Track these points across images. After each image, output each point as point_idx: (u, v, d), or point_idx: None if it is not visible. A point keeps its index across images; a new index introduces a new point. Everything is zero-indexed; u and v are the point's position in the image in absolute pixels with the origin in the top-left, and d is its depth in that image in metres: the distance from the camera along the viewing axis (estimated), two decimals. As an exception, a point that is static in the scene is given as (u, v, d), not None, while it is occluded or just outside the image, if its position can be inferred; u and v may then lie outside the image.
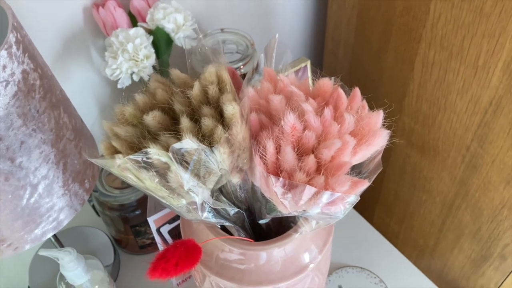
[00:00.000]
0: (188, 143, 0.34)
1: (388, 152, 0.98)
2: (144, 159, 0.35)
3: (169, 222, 0.65)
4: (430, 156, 0.89)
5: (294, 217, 0.47)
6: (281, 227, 0.48)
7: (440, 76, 0.78)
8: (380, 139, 0.39)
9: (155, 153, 0.34)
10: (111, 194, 0.72)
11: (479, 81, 0.72)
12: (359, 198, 0.38)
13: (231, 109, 0.36)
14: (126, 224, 0.75)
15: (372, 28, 0.87)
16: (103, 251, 0.80)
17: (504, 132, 0.73)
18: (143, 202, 0.73)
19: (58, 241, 0.70)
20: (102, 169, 0.74)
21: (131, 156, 0.34)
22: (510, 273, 0.87)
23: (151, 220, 0.62)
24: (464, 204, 0.88)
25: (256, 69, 0.45)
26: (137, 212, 0.73)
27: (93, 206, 0.86)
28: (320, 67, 1.13)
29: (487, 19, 0.66)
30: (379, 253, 0.83)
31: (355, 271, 0.77)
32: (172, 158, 0.34)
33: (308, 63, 0.76)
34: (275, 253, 0.46)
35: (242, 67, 0.74)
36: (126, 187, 0.72)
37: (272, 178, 0.37)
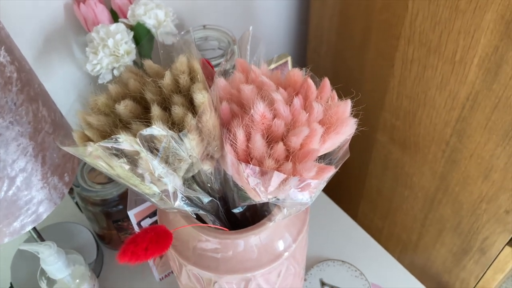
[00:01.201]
0: (157, 130, 0.35)
1: (370, 149, 0.99)
2: (115, 146, 0.35)
3: (150, 216, 0.66)
4: (411, 151, 0.90)
5: (268, 206, 0.47)
6: (257, 216, 0.49)
7: (419, 72, 0.79)
8: (348, 128, 0.40)
9: (124, 139, 0.35)
10: (93, 189, 0.72)
11: (457, 77, 0.73)
12: (325, 184, 0.39)
13: (200, 97, 0.37)
14: (109, 219, 0.75)
15: (353, 26, 0.88)
16: (86, 247, 0.81)
17: (481, 127, 0.74)
18: (125, 198, 0.73)
19: (39, 236, 0.70)
20: (84, 164, 0.74)
21: (102, 143, 0.35)
22: (489, 266, 0.88)
23: (131, 213, 0.63)
24: (445, 199, 0.89)
25: (229, 61, 0.45)
26: (120, 207, 0.74)
27: (76, 203, 0.86)
28: (303, 65, 1.14)
29: (462, 15, 0.68)
30: (360, 247, 0.84)
31: (336, 265, 0.78)
32: (141, 145, 0.35)
33: (289, 58, 0.77)
34: (250, 241, 0.47)
35: (224, 62, 0.74)
36: (108, 182, 0.73)
37: (243, 165, 0.38)
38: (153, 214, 0.66)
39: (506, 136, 0.71)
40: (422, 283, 0.81)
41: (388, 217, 1.07)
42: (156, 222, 0.66)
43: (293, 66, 0.79)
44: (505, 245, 0.82)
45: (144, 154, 0.36)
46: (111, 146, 0.35)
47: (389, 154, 0.96)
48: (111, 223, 0.76)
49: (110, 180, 0.73)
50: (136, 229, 0.65)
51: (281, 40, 1.06)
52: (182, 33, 0.77)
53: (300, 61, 1.14)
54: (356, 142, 1.04)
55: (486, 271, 0.90)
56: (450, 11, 0.69)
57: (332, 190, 1.06)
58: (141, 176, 0.38)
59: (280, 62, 0.76)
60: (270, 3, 0.97)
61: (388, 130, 0.92)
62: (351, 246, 0.84)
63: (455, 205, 0.88)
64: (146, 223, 0.66)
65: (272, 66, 0.72)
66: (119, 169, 0.37)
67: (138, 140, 0.35)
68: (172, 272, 0.77)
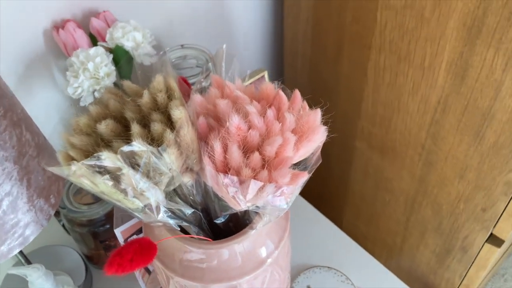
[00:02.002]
0: (137, 146, 0.36)
1: (350, 156, 1.02)
2: (98, 163, 0.37)
3: (136, 233, 0.67)
4: (389, 157, 0.93)
5: (249, 215, 0.49)
6: (239, 225, 0.51)
7: (392, 79, 0.82)
8: (319, 135, 0.42)
9: (106, 156, 0.36)
10: (79, 210, 0.73)
11: (427, 82, 0.77)
12: (301, 189, 0.41)
13: (178, 113, 0.39)
14: (96, 239, 0.76)
15: (326, 39, 0.91)
16: (75, 269, 0.81)
17: (454, 129, 0.77)
18: (112, 217, 0.74)
19: (26, 259, 0.71)
20: (70, 186, 0.75)
21: (85, 161, 0.37)
22: (471, 264, 0.91)
23: (118, 231, 0.64)
24: (424, 201, 0.92)
25: (206, 79, 0.48)
26: (106, 227, 0.75)
27: (63, 225, 0.87)
28: (281, 80, 1.17)
29: (428, 24, 0.71)
30: (346, 252, 0.86)
31: (322, 271, 0.80)
32: (122, 161, 0.37)
33: (266, 73, 0.80)
34: (233, 250, 0.48)
35: (202, 80, 0.76)
36: (94, 202, 0.74)
37: (221, 176, 0.40)
38: (140, 231, 0.67)
39: (477, 136, 0.74)
40: (409, 286, 0.83)
41: (372, 222, 1.10)
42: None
43: (270, 80, 0.81)
44: (485, 242, 0.85)
45: (126, 170, 0.37)
46: (94, 164, 0.37)
47: (369, 161, 0.98)
48: (98, 243, 0.77)
49: (96, 200, 0.74)
50: (124, 246, 0.66)
51: (258, 56, 1.09)
52: (161, 53, 0.79)
53: (277, 76, 1.17)
54: (336, 150, 1.06)
55: (469, 269, 0.93)
56: (416, 20, 0.72)
57: (316, 198, 1.08)
58: (124, 192, 0.39)
59: (257, 77, 0.78)
60: (245, 20, 1.00)
61: (366, 137, 0.95)
62: (337, 252, 0.85)
63: (435, 207, 0.90)
64: (133, 240, 0.67)
65: (249, 81, 0.74)
66: (103, 185, 0.38)
67: (119, 156, 0.36)
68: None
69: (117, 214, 0.64)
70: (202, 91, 0.48)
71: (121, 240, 0.65)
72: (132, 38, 0.72)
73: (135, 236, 0.67)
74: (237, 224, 0.52)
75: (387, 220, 1.04)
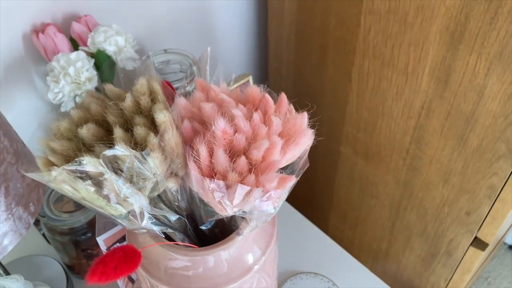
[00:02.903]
0: (120, 150, 0.35)
1: (335, 161, 1.02)
2: (79, 168, 0.36)
3: (119, 241, 0.65)
4: (374, 161, 0.93)
5: (235, 221, 0.48)
6: (225, 232, 0.50)
7: (376, 84, 0.82)
8: (306, 139, 0.42)
9: (88, 161, 0.35)
10: (59, 218, 0.71)
11: (411, 87, 0.77)
12: (288, 193, 0.40)
13: (162, 117, 0.38)
14: (78, 248, 0.74)
15: (310, 44, 0.91)
16: (55, 279, 0.79)
17: (437, 133, 0.78)
18: (93, 225, 0.73)
19: (5, 270, 0.68)
20: (50, 194, 0.73)
21: (66, 167, 0.36)
22: (456, 268, 0.91)
23: (100, 239, 0.62)
24: (409, 205, 0.92)
25: (190, 82, 0.47)
26: (88, 235, 0.73)
27: (43, 234, 0.84)
28: (266, 83, 1.17)
29: (411, 29, 0.71)
30: (332, 258, 0.85)
31: (308, 277, 0.79)
32: (105, 165, 0.36)
33: (250, 78, 0.79)
34: (219, 256, 0.47)
35: (186, 85, 0.76)
36: (76, 210, 0.72)
37: (207, 181, 0.39)
38: (123, 239, 0.65)
39: (461, 140, 0.75)
40: (395, 290, 0.83)
41: (357, 227, 1.10)
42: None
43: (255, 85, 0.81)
44: (469, 246, 0.85)
45: (108, 175, 0.36)
46: (75, 169, 0.36)
47: (354, 165, 0.98)
48: (80, 252, 0.75)
49: (77, 208, 0.73)
50: (106, 255, 0.64)
51: (242, 61, 1.09)
52: (144, 58, 0.78)
53: (263, 81, 1.16)
54: (321, 155, 1.06)
55: (454, 273, 0.93)
56: (399, 25, 0.73)
57: (302, 204, 1.08)
58: (107, 198, 0.38)
59: (242, 81, 0.78)
60: (229, 25, 0.99)
61: (350, 142, 0.95)
62: (323, 258, 0.85)
63: (420, 211, 0.91)
64: (116, 248, 0.65)
65: (234, 86, 0.73)
66: (85, 191, 0.37)
67: (101, 161, 0.35)
68: (145, 297, 0.76)
69: (100, 222, 0.63)
70: (187, 95, 0.47)
71: (103, 248, 0.64)
72: (114, 42, 0.71)
73: (118, 244, 0.65)
74: (223, 230, 0.51)
75: (372, 225, 1.04)
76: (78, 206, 0.73)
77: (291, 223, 0.91)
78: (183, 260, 0.47)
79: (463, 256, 0.88)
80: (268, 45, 1.04)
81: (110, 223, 0.63)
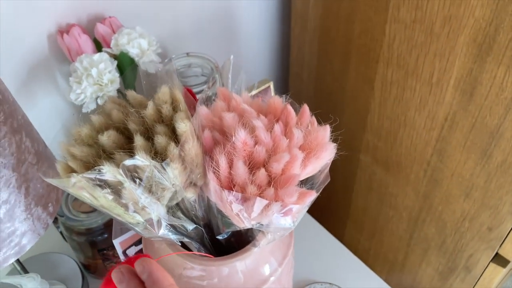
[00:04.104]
0: (139, 160, 0.35)
1: (354, 170, 1.01)
2: (98, 177, 0.36)
3: (135, 244, 0.65)
4: (394, 171, 0.91)
5: (252, 232, 0.48)
6: (242, 241, 0.49)
7: (399, 93, 0.81)
8: (327, 152, 0.41)
9: (108, 170, 0.35)
10: (77, 218, 0.72)
11: (435, 98, 0.75)
12: (308, 208, 0.39)
13: (183, 126, 0.38)
14: (94, 248, 0.75)
15: (333, 50, 0.90)
16: (71, 277, 0.79)
17: (460, 146, 0.76)
18: (110, 226, 0.73)
19: (22, 267, 0.69)
20: (68, 194, 0.74)
21: (85, 174, 0.35)
22: (475, 284, 0.89)
23: (116, 242, 0.63)
24: (428, 218, 0.91)
25: (212, 88, 0.46)
26: (105, 236, 0.73)
27: (61, 232, 0.85)
28: (286, 90, 1.16)
29: (437, 39, 0.70)
30: (347, 268, 0.84)
31: (323, 287, 0.78)
32: (124, 175, 0.35)
33: (271, 84, 0.78)
34: (235, 267, 0.47)
35: (207, 89, 0.75)
36: (93, 211, 0.73)
37: (226, 192, 0.39)
38: (139, 242, 0.65)
39: (484, 155, 0.73)
40: (410, 303, 0.81)
41: (374, 237, 1.08)
42: (141, 250, 0.66)
43: (275, 91, 0.80)
44: (490, 262, 0.83)
45: (128, 184, 0.36)
46: (95, 177, 0.36)
47: (373, 175, 0.97)
48: (96, 252, 0.75)
49: (95, 209, 0.73)
50: (122, 258, 0.65)
51: (263, 65, 1.08)
52: (166, 61, 0.78)
53: (283, 86, 1.16)
54: (340, 163, 1.05)
55: (472, 289, 0.91)
56: (425, 35, 0.71)
57: (318, 211, 1.06)
58: (125, 206, 0.38)
59: (262, 87, 0.77)
60: (251, 29, 0.99)
61: (370, 151, 0.94)
62: (338, 267, 0.84)
63: (439, 224, 0.89)
64: (131, 251, 0.65)
65: (254, 92, 0.73)
66: (103, 199, 0.37)
67: (121, 170, 0.35)
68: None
69: (116, 224, 0.63)
70: (208, 100, 0.47)
71: (119, 251, 0.64)
72: (138, 45, 0.71)
73: (133, 247, 0.65)
74: (240, 239, 0.50)
75: (389, 235, 1.03)
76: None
77: (307, 231, 0.90)
78: (198, 269, 0.47)
79: (483, 272, 0.86)
80: (290, 50, 1.03)
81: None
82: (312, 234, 0.90)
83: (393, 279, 1.10)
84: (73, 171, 0.39)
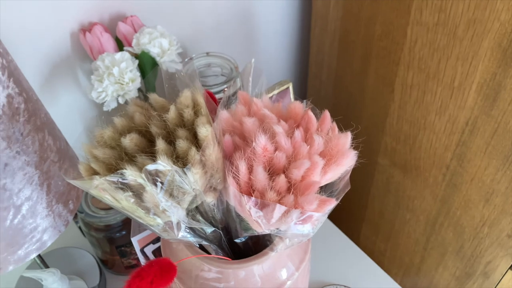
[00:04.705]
0: (161, 165, 0.35)
1: (372, 172, 1.00)
2: (120, 180, 0.36)
3: (153, 242, 0.66)
4: (412, 175, 0.90)
5: (270, 235, 0.48)
6: (259, 245, 0.49)
7: (419, 97, 0.80)
8: (348, 160, 0.41)
9: (130, 174, 0.35)
10: (96, 215, 0.73)
11: (456, 102, 0.74)
12: (327, 216, 0.39)
13: (204, 131, 0.38)
14: (112, 244, 0.76)
15: (353, 52, 0.89)
16: (89, 272, 0.81)
17: (481, 151, 0.75)
18: (129, 223, 0.74)
19: (43, 261, 0.71)
20: (88, 190, 0.75)
21: (108, 177, 0.36)
22: (493, 290, 0.88)
23: (135, 240, 0.63)
24: (446, 222, 0.90)
25: (233, 94, 0.47)
26: (123, 233, 0.74)
27: (80, 228, 0.86)
28: (304, 91, 1.16)
29: (460, 42, 0.69)
30: (363, 271, 0.84)
31: (338, 290, 0.78)
32: (146, 179, 0.36)
33: (290, 85, 0.78)
34: (252, 271, 0.47)
35: (226, 89, 0.76)
36: (112, 208, 0.73)
37: (245, 198, 0.39)
38: (156, 240, 0.66)
39: (507, 161, 0.72)
40: (425, 308, 0.81)
41: (390, 240, 1.07)
42: (159, 248, 0.66)
43: (294, 92, 0.80)
44: (508, 269, 0.82)
45: (149, 188, 0.36)
46: (117, 180, 0.36)
47: (391, 178, 0.96)
48: (114, 249, 0.76)
49: (113, 206, 0.74)
50: (140, 255, 0.65)
51: (282, 66, 1.08)
52: (186, 60, 0.79)
53: (302, 87, 1.15)
54: (357, 166, 1.04)
55: (489, 295, 0.90)
56: (448, 38, 0.70)
57: (334, 213, 1.06)
58: (146, 209, 0.38)
59: (281, 88, 0.77)
60: (271, 29, 0.99)
61: (389, 154, 0.93)
62: (354, 270, 0.84)
63: (457, 229, 0.88)
64: (149, 249, 0.66)
65: (274, 92, 0.73)
66: (124, 202, 0.38)
67: (143, 175, 0.35)
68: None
69: (135, 223, 0.64)
70: (228, 102, 0.47)
71: (137, 248, 0.65)
72: (159, 44, 0.72)
73: (151, 245, 0.66)
74: (257, 242, 0.50)
75: (406, 239, 1.02)
76: (114, 203, 0.75)
77: (323, 232, 0.90)
78: (215, 271, 0.47)
79: (501, 279, 0.85)
80: (309, 51, 1.03)
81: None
82: (328, 236, 0.90)
83: (409, 282, 1.09)
84: (95, 172, 0.40)
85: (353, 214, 1.15)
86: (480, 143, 0.74)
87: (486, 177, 0.77)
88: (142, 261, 0.67)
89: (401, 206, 0.97)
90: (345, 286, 0.79)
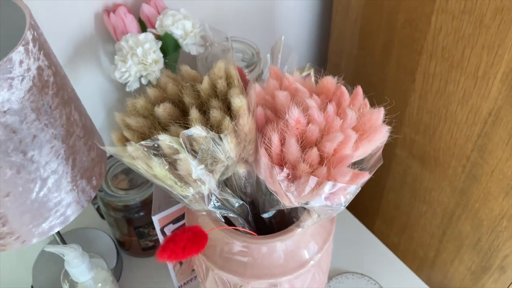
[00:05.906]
0: (198, 130, 0.35)
1: (388, 163, 0.99)
2: (157, 144, 0.36)
3: (173, 222, 0.66)
4: (430, 166, 0.90)
5: (296, 213, 0.48)
6: (283, 222, 0.49)
7: (441, 87, 0.79)
8: (381, 135, 0.41)
9: (166, 139, 0.35)
10: (116, 194, 0.73)
11: (479, 92, 0.74)
12: (360, 189, 0.39)
13: (238, 101, 0.38)
14: (130, 225, 0.76)
15: (375, 40, 0.89)
16: (106, 253, 0.81)
17: (504, 143, 0.74)
18: (148, 204, 0.74)
19: (62, 240, 0.71)
20: (108, 170, 0.75)
21: (143, 142, 0.36)
22: (509, 285, 0.87)
23: (155, 219, 0.64)
24: (464, 215, 0.89)
25: (262, 73, 0.47)
26: (141, 214, 0.74)
27: (97, 209, 0.87)
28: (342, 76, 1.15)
29: (486, 30, 0.68)
30: (379, 260, 0.83)
31: (355, 277, 0.78)
32: (183, 144, 0.36)
33: (312, 71, 0.78)
34: (276, 247, 0.47)
35: (247, 74, 0.76)
36: (131, 188, 0.74)
37: (277, 169, 0.39)
38: (176, 220, 0.66)
39: (529, 152, 0.71)
40: (441, 300, 0.80)
41: (405, 232, 1.07)
42: (179, 228, 0.67)
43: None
44: (526, 263, 0.82)
45: (184, 154, 0.36)
46: (152, 145, 0.36)
47: (408, 169, 0.96)
48: (132, 230, 0.77)
49: (133, 187, 0.74)
50: (159, 234, 0.66)
51: (302, 53, 1.07)
52: (207, 44, 0.78)
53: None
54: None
55: (506, 290, 0.89)
56: (474, 26, 0.69)
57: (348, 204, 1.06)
58: (179, 177, 0.38)
59: (304, 74, 0.77)
60: (291, 16, 0.99)
61: (407, 145, 0.93)
62: (370, 259, 0.83)
63: (475, 222, 0.87)
64: (169, 229, 0.66)
65: (304, 73, 0.73)
66: (158, 169, 0.38)
67: (181, 140, 0.35)
68: (190, 280, 0.77)
69: (156, 202, 0.64)
70: (259, 78, 0.47)
71: (157, 227, 0.65)
72: (182, 26, 0.72)
73: (171, 225, 0.66)
74: (281, 221, 0.50)
75: (421, 231, 1.01)
76: (133, 185, 0.75)
77: (340, 221, 0.89)
78: (239, 245, 0.47)
79: (518, 273, 0.84)
80: (329, 39, 1.02)
81: (165, 203, 0.65)
82: (345, 225, 0.89)
83: (423, 276, 1.08)
84: (127, 141, 0.40)
85: (367, 206, 1.14)
86: (503, 134, 0.74)
87: (508, 169, 0.76)
88: (162, 240, 0.67)
89: (418, 198, 0.97)
90: (361, 273, 0.79)
